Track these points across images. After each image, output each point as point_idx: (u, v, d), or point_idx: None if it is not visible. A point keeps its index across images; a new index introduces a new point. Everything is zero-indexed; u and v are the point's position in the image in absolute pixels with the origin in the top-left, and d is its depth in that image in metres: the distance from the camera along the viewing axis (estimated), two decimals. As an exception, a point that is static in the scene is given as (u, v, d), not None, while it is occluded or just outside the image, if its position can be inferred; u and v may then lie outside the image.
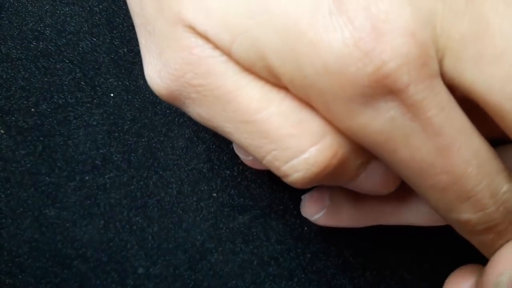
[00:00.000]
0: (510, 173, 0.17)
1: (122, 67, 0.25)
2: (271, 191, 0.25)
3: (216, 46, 0.16)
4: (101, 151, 0.25)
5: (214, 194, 0.25)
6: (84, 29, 0.26)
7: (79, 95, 0.25)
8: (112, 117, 0.25)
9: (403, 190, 0.20)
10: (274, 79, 0.16)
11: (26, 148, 0.25)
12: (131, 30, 0.26)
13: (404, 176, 0.17)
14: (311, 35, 0.15)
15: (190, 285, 0.25)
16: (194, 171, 0.25)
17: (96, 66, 0.25)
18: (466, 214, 0.17)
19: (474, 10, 0.15)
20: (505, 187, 0.17)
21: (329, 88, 0.15)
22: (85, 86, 0.25)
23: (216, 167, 0.25)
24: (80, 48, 0.25)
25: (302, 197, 0.24)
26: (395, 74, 0.14)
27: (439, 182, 0.16)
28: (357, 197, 0.22)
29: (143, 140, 0.25)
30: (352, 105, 0.15)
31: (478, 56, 0.15)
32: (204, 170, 0.25)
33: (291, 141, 0.16)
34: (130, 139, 0.25)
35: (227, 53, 0.16)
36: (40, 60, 0.25)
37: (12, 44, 0.25)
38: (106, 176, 0.25)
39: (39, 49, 0.25)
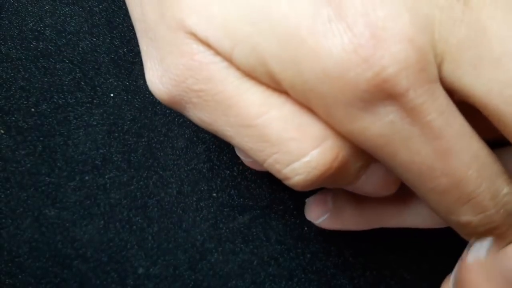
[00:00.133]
0: (510, 176, 0.17)
1: (122, 67, 0.25)
2: (271, 191, 0.26)
3: (217, 52, 0.16)
4: (101, 151, 0.25)
5: (214, 194, 0.25)
6: (84, 29, 0.26)
7: (79, 95, 0.25)
8: (112, 117, 0.25)
9: (404, 193, 0.20)
10: (274, 84, 0.16)
11: (26, 148, 0.25)
12: (131, 30, 0.26)
13: (404, 178, 0.17)
14: (311, 41, 0.15)
15: (190, 285, 0.25)
16: (194, 171, 0.25)
17: (96, 66, 0.25)
18: (467, 216, 0.17)
19: (472, 16, 0.15)
20: (505, 189, 0.17)
21: (329, 93, 0.15)
22: (85, 86, 0.25)
23: (216, 167, 0.25)
24: (80, 48, 0.25)
25: (306, 200, 0.24)
26: (394, 79, 0.15)
27: (439, 185, 0.16)
28: (359, 200, 0.22)
29: (143, 140, 0.25)
30: (352, 109, 0.15)
31: (476, 61, 0.15)
32: (204, 170, 0.25)
33: (292, 144, 0.16)
34: (130, 139, 0.25)
35: (228, 59, 0.16)
36: (40, 60, 0.25)
37: (12, 44, 0.25)
38: (106, 176, 0.25)
39: (39, 49, 0.25)
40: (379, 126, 0.16)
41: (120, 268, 0.25)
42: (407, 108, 0.15)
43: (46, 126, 0.25)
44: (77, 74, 0.25)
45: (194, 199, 0.25)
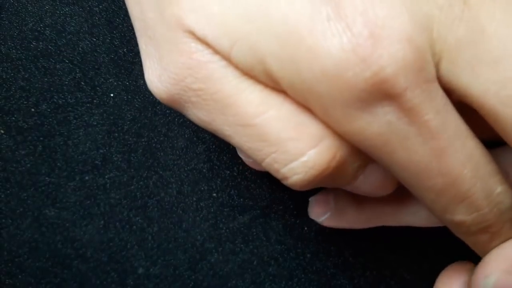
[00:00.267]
0: (504, 175, 0.17)
1: (122, 67, 0.25)
2: (271, 191, 0.26)
3: (216, 51, 0.16)
4: (101, 151, 0.25)
5: (214, 194, 0.25)
6: (84, 29, 0.26)
7: (79, 95, 0.25)
8: (112, 117, 0.25)
9: (403, 193, 0.20)
10: (273, 83, 0.16)
11: (26, 148, 0.25)
12: (131, 30, 0.26)
13: (401, 178, 0.17)
14: (310, 40, 0.15)
15: (190, 285, 0.25)
16: (194, 171, 0.25)
17: (96, 66, 0.25)
18: (461, 215, 0.17)
19: (471, 16, 0.15)
20: (499, 189, 0.17)
21: (327, 93, 0.15)
22: (85, 86, 0.25)
23: (216, 167, 0.25)
24: (80, 48, 0.25)
25: (310, 199, 0.24)
26: (393, 79, 0.15)
27: (435, 184, 0.16)
28: (359, 200, 0.22)
29: (143, 140, 0.25)
30: (350, 109, 0.15)
31: (474, 61, 0.15)
32: (204, 170, 0.25)
33: (290, 144, 0.16)
34: (130, 139, 0.25)
35: (227, 58, 0.16)
36: (40, 60, 0.25)
37: (12, 44, 0.25)
38: (106, 176, 0.25)
39: (39, 49, 0.25)
40: (377, 126, 0.16)
41: (120, 268, 0.25)
42: (405, 108, 0.15)
43: (46, 126, 0.25)
44: (77, 74, 0.25)
45: (194, 199, 0.25)
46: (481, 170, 0.17)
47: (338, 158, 0.17)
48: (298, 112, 0.16)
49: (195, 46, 0.16)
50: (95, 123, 0.25)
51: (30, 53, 0.25)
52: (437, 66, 0.16)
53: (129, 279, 0.25)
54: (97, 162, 0.25)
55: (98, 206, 0.25)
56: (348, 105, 0.15)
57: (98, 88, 0.25)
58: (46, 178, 0.25)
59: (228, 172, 0.26)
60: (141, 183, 0.25)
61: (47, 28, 0.25)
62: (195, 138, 0.25)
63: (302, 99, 0.16)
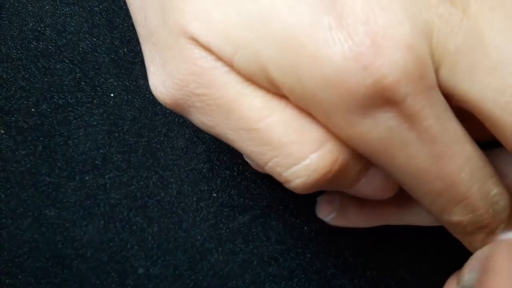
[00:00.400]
0: (499, 177, 0.18)
1: (122, 67, 0.25)
2: (271, 191, 0.26)
3: (219, 57, 0.16)
4: (101, 151, 0.25)
5: (214, 194, 0.25)
6: (84, 29, 0.26)
7: (79, 95, 0.25)
8: (112, 117, 0.25)
9: (404, 193, 0.20)
10: (275, 89, 0.16)
11: (26, 148, 0.25)
12: (131, 30, 0.26)
13: (400, 181, 0.17)
14: (311, 49, 0.15)
15: (190, 285, 0.25)
16: (194, 171, 0.25)
17: (96, 66, 0.25)
18: (458, 216, 0.18)
19: (470, 25, 0.16)
20: (494, 190, 0.18)
21: (329, 100, 0.15)
22: (85, 86, 0.25)
23: (216, 167, 0.25)
24: (80, 48, 0.25)
25: (317, 199, 0.24)
26: (394, 86, 0.15)
27: (433, 187, 0.17)
28: (362, 200, 0.23)
29: (143, 140, 0.25)
30: (351, 115, 0.16)
31: (472, 68, 0.16)
32: (204, 170, 0.25)
33: (293, 148, 0.17)
34: (130, 139, 0.25)
35: (230, 64, 0.16)
36: (40, 60, 0.25)
37: (12, 44, 0.25)
38: (106, 176, 0.25)
39: (39, 49, 0.25)
40: (378, 131, 0.16)
41: (120, 268, 0.25)
42: (406, 114, 0.15)
43: (46, 126, 0.25)
44: (77, 74, 0.25)
45: (194, 199, 0.25)
46: (478, 173, 0.17)
47: (340, 162, 0.17)
48: (300, 117, 0.17)
49: (198, 52, 0.16)
50: (95, 123, 0.25)
51: (30, 53, 0.25)
52: (436, 73, 0.16)
53: (129, 279, 0.25)
54: (97, 162, 0.25)
55: (98, 206, 0.25)
56: (350, 111, 0.16)
57: (98, 88, 0.25)
58: (46, 178, 0.25)
59: (228, 172, 0.26)
60: (141, 183, 0.25)
61: (47, 28, 0.25)
62: (195, 138, 0.25)
63: (304, 105, 0.16)
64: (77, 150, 0.25)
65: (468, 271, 0.18)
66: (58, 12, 0.26)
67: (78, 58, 0.25)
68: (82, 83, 0.25)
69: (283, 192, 0.26)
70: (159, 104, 0.25)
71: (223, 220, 0.25)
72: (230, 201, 0.25)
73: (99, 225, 0.25)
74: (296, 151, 0.17)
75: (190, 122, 0.25)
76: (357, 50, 0.15)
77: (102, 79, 0.25)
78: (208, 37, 0.16)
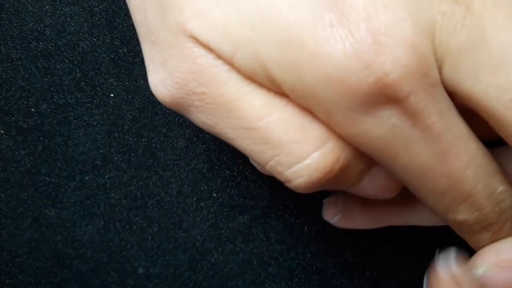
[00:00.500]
0: (505, 175, 0.18)
1: (122, 67, 0.25)
2: (271, 191, 0.26)
3: (219, 56, 0.16)
4: (101, 151, 0.25)
5: (214, 194, 0.25)
6: (84, 29, 0.26)
7: (79, 95, 0.25)
8: (112, 117, 0.25)
9: (408, 193, 0.20)
10: (275, 88, 0.16)
11: (26, 148, 0.25)
12: (131, 30, 0.26)
13: (404, 180, 0.17)
14: (312, 47, 0.15)
15: (190, 285, 0.25)
16: (194, 171, 0.25)
17: (96, 66, 0.25)
18: (463, 215, 0.17)
19: (473, 22, 0.15)
20: (500, 188, 0.17)
21: (330, 98, 0.15)
22: (85, 86, 0.25)
23: (216, 167, 0.25)
24: (80, 48, 0.25)
25: (324, 201, 0.24)
26: (396, 84, 0.15)
27: (438, 185, 0.17)
28: (366, 201, 0.23)
29: (143, 140, 0.25)
30: (353, 113, 0.15)
31: (475, 66, 0.16)
32: (204, 170, 0.25)
33: (294, 147, 0.16)
34: (130, 139, 0.25)
35: (230, 63, 0.16)
36: (40, 60, 0.25)
37: (12, 44, 0.25)
38: (106, 176, 0.25)
39: (39, 49, 0.25)
40: (380, 129, 0.16)
41: (120, 268, 0.25)
42: (409, 112, 0.15)
43: (46, 126, 0.25)
44: (77, 74, 0.25)
45: (194, 199, 0.25)
46: (483, 170, 0.17)
47: (342, 161, 0.17)
48: (301, 115, 0.16)
49: (198, 51, 0.16)
50: (95, 123, 0.25)
51: (30, 53, 0.25)
52: (439, 71, 0.16)
53: (129, 279, 0.25)
54: (97, 162, 0.25)
55: (98, 206, 0.25)
56: (351, 109, 0.15)
57: (98, 88, 0.25)
58: (46, 178, 0.25)
59: (228, 172, 0.26)
60: (141, 183, 0.25)
61: (47, 28, 0.25)
62: (195, 138, 0.25)
63: (305, 103, 0.16)
64: (77, 150, 0.25)
65: (481, 264, 0.18)
66: (58, 12, 0.26)
67: (78, 58, 0.25)
68: (82, 83, 0.25)
69: (283, 192, 0.25)
70: (159, 104, 0.25)
71: (223, 220, 0.25)
72: (230, 201, 0.25)
73: (99, 225, 0.25)
74: (297, 150, 0.16)
75: (190, 122, 0.25)
76: (358, 48, 0.15)
77: (102, 79, 0.25)
78: (208, 35, 0.16)
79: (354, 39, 0.15)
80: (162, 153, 0.25)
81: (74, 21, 0.26)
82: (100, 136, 0.25)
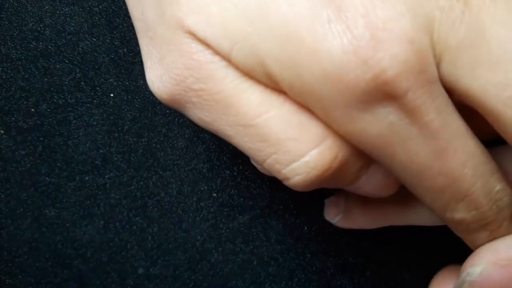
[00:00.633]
0: (503, 174, 0.18)
1: (122, 67, 0.25)
2: (271, 191, 0.25)
3: (216, 52, 0.16)
4: (101, 151, 0.25)
5: (214, 194, 0.25)
6: (84, 29, 0.25)
7: (79, 95, 0.25)
8: (112, 117, 0.25)
9: (408, 192, 0.20)
10: (273, 84, 0.16)
11: (26, 148, 0.25)
12: (131, 30, 0.26)
13: (402, 178, 0.17)
14: (310, 43, 0.15)
15: (190, 285, 0.25)
16: (194, 171, 0.25)
17: (96, 66, 0.25)
18: (461, 213, 0.17)
19: (471, 18, 0.15)
20: (498, 187, 0.17)
21: (328, 95, 0.15)
22: (85, 86, 0.25)
23: (216, 167, 0.25)
24: (80, 48, 0.25)
25: (325, 201, 0.24)
26: (394, 81, 0.15)
27: (436, 183, 0.17)
28: (366, 201, 0.23)
29: (143, 140, 0.25)
30: (351, 110, 0.15)
31: (474, 63, 0.15)
32: (204, 170, 0.25)
33: (292, 144, 0.16)
34: (130, 139, 0.25)
35: (227, 59, 0.16)
36: (40, 60, 0.25)
37: (12, 44, 0.25)
38: (106, 176, 0.25)
39: (39, 49, 0.25)
40: (378, 126, 0.16)
41: (120, 268, 0.25)
42: (406, 109, 0.15)
43: (46, 126, 0.25)
44: (77, 74, 0.25)
45: (194, 199, 0.25)
46: (481, 169, 0.17)
47: (340, 159, 0.17)
48: (299, 113, 0.16)
49: (195, 46, 0.16)
50: (95, 123, 0.25)
51: (30, 53, 0.25)
52: (437, 67, 0.16)
53: (129, 279, 0.25)
54: (97, 162, 0.25)
55: (98, 206, 0.25)
56: (349, 106, 0.15)
57: (98, 88, 0.25)
58: (46, 178, 0.25)
59: (228, 172, 0.26)
60: (141, 183, 0.25)
61: (47, 28, 0.25)
62: (195, 138, 0.25)
63: (303, 100, 0.16)
64: (77, 150, 0.25)
65: (479, 262, 0.18)
66: (58, 12, 0.26)
67: (78, 58, 0.25)
68: (82, 83, 0.25)
69: (283, 192, 0.25)
70: (159, 104, 0.25)
71: (223, 220, 0.25)
72: (230, 201, 0.25)
73: (99, 225, 0.25)
74: (294, 147, 0.16)
75: (190, 122, 0.25)
76: (356, 44, 0.15)
77: (102, 79, 0.25)
78: (205, 31, 0.16)
79: (352, 35, 0.15)
80: (162, 153, 0.25)
81: (74, 21, 0.26)
82: (100, 136, 0.25)
